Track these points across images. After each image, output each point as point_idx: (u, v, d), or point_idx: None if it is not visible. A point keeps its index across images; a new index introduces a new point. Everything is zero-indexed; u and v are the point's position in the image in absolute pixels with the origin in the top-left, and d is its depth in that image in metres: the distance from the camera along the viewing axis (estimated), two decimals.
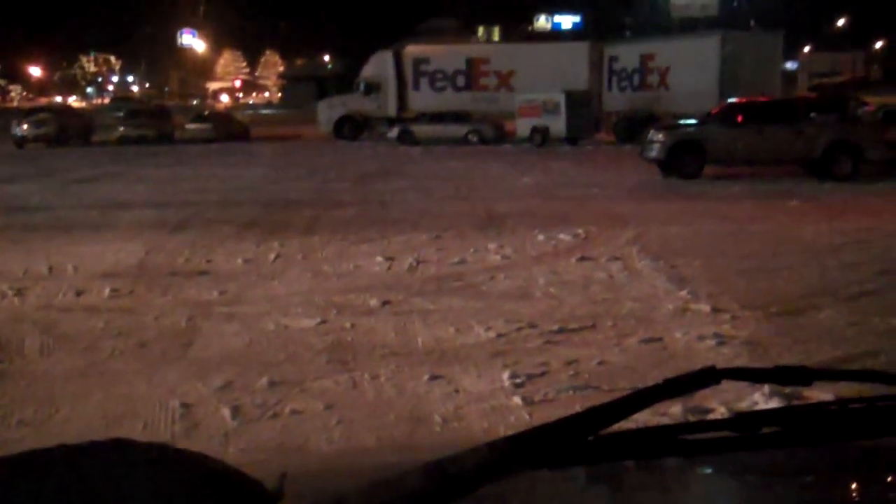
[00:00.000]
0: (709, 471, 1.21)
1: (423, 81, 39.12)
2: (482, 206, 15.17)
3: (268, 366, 6.21)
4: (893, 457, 1.15)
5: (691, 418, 3.78)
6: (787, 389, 3.96)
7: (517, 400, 5.44)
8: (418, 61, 39.28)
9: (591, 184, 18.90)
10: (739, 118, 19.83)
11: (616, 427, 1.11)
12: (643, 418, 1.23)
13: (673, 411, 4.40)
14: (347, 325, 7.36)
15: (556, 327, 7.19)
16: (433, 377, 5.91)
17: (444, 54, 39.85)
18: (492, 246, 11.13)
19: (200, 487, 0.95)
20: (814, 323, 7.31)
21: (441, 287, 8.91)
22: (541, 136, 32.11)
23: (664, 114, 29.28)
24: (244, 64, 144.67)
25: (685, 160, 19.34)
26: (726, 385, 1.20)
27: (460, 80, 38.77)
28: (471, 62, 38.96)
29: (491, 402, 5.44)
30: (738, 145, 19.17)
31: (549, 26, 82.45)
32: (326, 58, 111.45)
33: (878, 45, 68.88)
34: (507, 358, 6.34)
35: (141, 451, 0.98)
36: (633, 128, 30.14)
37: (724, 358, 6.18)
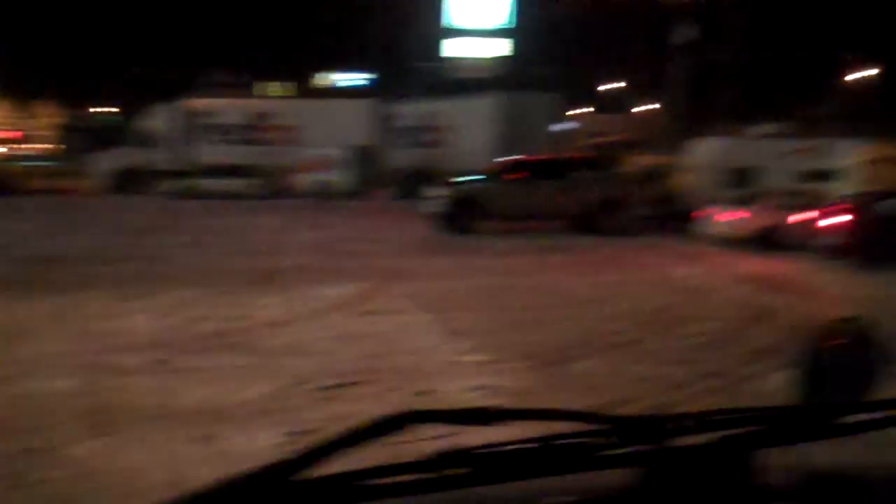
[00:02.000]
0: None
1: (206, 134, 38.39)
2: (261, 261, 14.96)
3: (19, 432, 5.83)
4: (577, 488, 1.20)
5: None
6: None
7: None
8: (202, 114, 38.53)
9: (371, 239, 19.04)
10: (514, 175, 20.61)
11: (313, 473, 1.11)
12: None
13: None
14: (110, 385, 7.03)
15: (331, 382, 7.16)
16: (201, 438, 5.73)
17: (228, 107, 39.29)
18: (269, 301, 11.00)
19: None
20: (577, 372, 7.62)
21: (214, 344, 8.69)
22: (323, 191, 32.13)
23: (446, 171, 29.99)
24: (15, 113, 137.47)
25: (463, 216, 19.89)
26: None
27: (244, 134, 38.32)
28: (255, 116, 38.62)
29: (256, 461, 5.29)
30: (514, 201, 19.91)
31: (333, 83, 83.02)
32: (106, 109, 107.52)
33: (644, 108, 73.44)
34: (279, 415, 6.24)
35: None
36: (415, 184, 30.66)
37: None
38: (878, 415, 1.27)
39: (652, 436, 1.20)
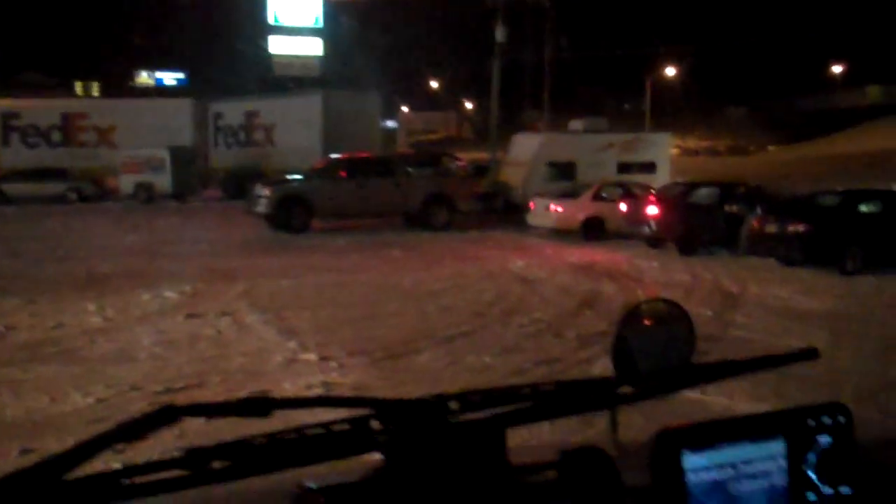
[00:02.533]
0: None
1: (14, 137, 36.52)
2: (83, 266, 14.31)
3: None
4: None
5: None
6: None
7: (115, 465, 5.10)
8: (8, 116, 36.64)
9: (199, 240, 18.56)
10: (342, 173, 20.54)
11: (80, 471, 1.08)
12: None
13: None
14: None
15: (161, 388, 6.91)
16: (22, 451, 5.41)
17: (36, 109, 37.48)
18: (92, 308, 10.52)
19: None
20: (415, 365, 7.63)
21: (35, 354, 8.24)
22: (146, 193, 31.12)
23: (271, 170, 29.55)
24: None
25: (292, 214, 19.66)
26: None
27: (56, 136, 36.65)
28: (67, 117, 36.97)
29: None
30: (343, 199, 19.82)
31: (152, 82, 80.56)
32: None
33: (469, 105, 74.58)
34: (106, 425, 5.94)
35: None
36: (240, 184, 30.10)
37: None
38: (635, 389, 1.32)
39: (429, 416, 1.20)
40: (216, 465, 1.10)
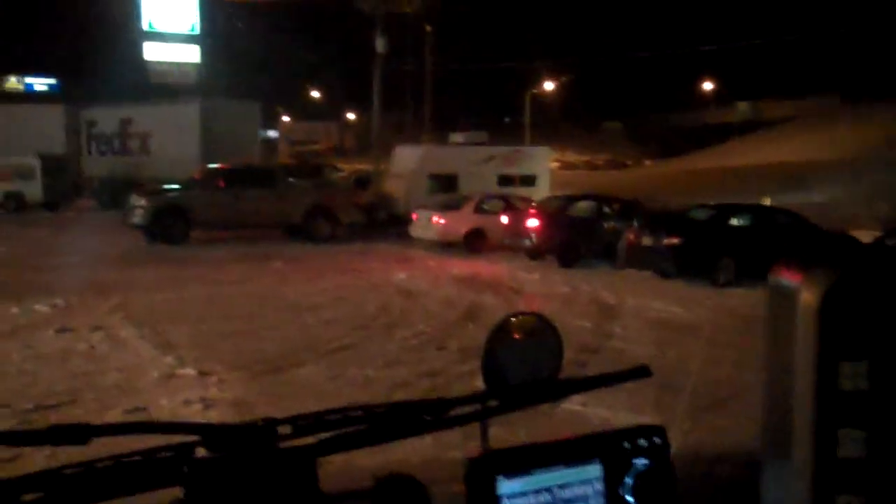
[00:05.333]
0: None
1: None
2: None
3: None
4: None
5: None
6: None
7: None
8: None
9: (72, 251, 17.97)
10: (221, 183, 20.19)
11: None
12: None
13: None
14: None
15: (30, 405, 6.66)
16: None
17: None
18: None
19: None
20: (297, 379, 7.55)
21: None
22: (15, 203, 30.00)
23: (147, 179, 28.86)
24: None
25: (170, 225, 19.22)
26: None
27: None
28: None
29: None
30: (222, 210, 19.47)
31: (21, 87, 77.86)
32: None
33: (351, 116, 74.30)
34: None
35: None
36: (115, 193, 29.30)
37: (212, 420, 6.12)
38: (471, 409, 1.32)
39: (255, 442, 1.17)
40: (28, 497, 1.04)
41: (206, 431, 1.15)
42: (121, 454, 1.11)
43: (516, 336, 1.43)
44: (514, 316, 1.45)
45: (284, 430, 1.19)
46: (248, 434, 1.17)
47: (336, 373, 7.77)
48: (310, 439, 1.19)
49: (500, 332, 1.43)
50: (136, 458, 1.12)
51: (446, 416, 1.31)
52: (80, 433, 1.08)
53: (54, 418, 6.37)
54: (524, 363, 1.40)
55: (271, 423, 1.18)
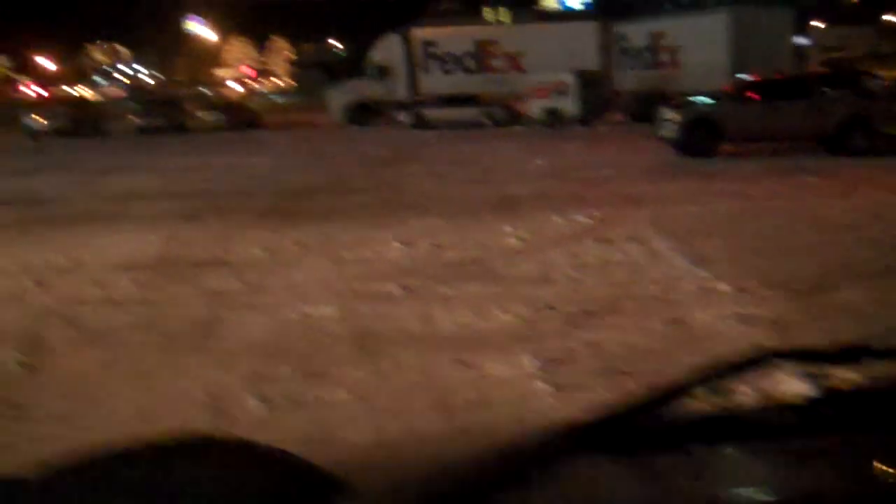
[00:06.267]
0: (757, 457, 1.18)
1: (433, 64, 38.97)
2: (496, 189, 15.15)
3: (291, 355, 6.23)
4: None
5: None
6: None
7: (542, 385, 5.45)
8: (427, 44, 39.10)
9: (604, 164, 18.83)
10: (753, 95, 19.74)
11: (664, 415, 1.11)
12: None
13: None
14: (368, 311, 7.37)
15: (576, 309, 7.19)
16: (456, 362, 5.92)
17: (452, 36, 39.66)
18: (507, 229, 11.10)
19: (281, 482, 0.96)
20: (837, 301, 7.27)
21: (459, 272, 8.91)
22: (552, 118, 32.00)
23: (676, 92, 29.13)
24: (252, 51, 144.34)
25: (699, 138, 19.24)
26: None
27: (470, 63, 38.61)
28: (479, 44, 38.78)
29: (516, 387, 5.45)
30: (753, 122, 19.06)
31: (557, 6, 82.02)
32: (335, 42, 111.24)
33: (889, 18, 68.20)
34: (529, 343, 6.34)
35: (223, 446, 0.99)
36: (645, 107, 30.05)
37: (749, 337, 6.17)
38: None
39: None
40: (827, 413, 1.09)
41: None
42: None
43: None
44: None
45: None
46: None
47: (877, 296, 7.36)
48: None
49: None
50: None
51: None
52: (851, 355, 1.12)
53: (597, 323, 6.83)
54: None
55: None
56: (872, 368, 1.15)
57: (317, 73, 75.57)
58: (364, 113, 38.77)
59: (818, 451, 1.14)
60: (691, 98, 21.85)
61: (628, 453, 1.10)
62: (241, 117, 40.09)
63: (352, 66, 47.42)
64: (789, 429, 1.10)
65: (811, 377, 1.22)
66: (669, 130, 19.70)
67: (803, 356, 1.20)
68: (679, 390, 1.14)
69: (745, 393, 1.19)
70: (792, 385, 1.23)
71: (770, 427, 1.11)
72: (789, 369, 1.19)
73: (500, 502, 0.95)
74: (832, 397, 1.12)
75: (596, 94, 33.06)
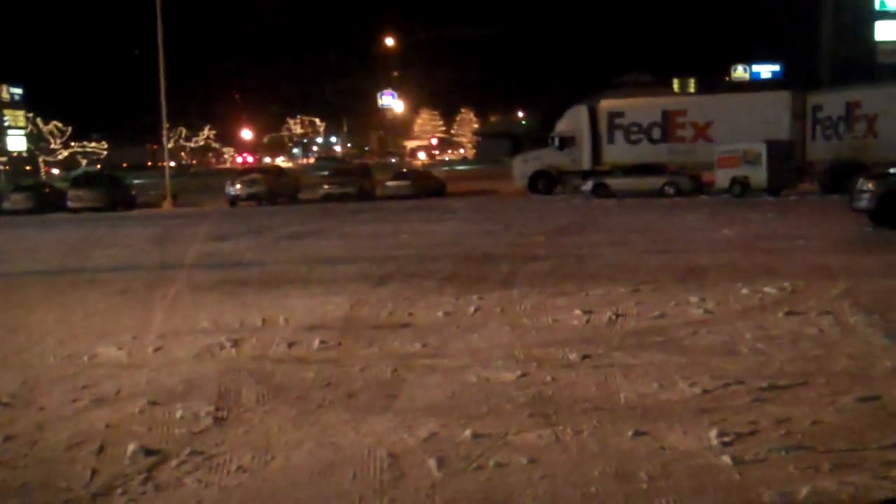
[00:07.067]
0: None
1: (618, 134, 38.92)
2: (681, 258, 14.85)
3: (470, 418, 6.28)
4: None
5: None
6: None
7: (726, 459, 5.28)
8: (613, 115, 39.14)
9: (795, 235, 18.20)
10: None
11: None
12: None
13: None
14: (548, 378, 7.35)
15: (764, 384, 6.93)
16: (637, 433, 5.81)
17: (639, 107, 39.61)
18: (693, 299, 10.84)
19: None
20: None
21: (641, 341, 8.77)
22: (740, 187, 31.28)
23: (873, 162, 27.93)
24: (440, 122, 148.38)
25: None
26: None
27: (656, 133, 38.33)
28: (667, 114, 38.47)
29: (698, 461, 5.29)
30: None
31: (747, 76, 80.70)
32: (520, 114, 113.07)
33: None
34: (713, 415, 6.15)
35: None
36: (838, 177, 28.95)
37: None
38: None
39: None
40: None
41: None
42: None
43: None
44: None
45: None
46: None
47: None
48: None
49: None
50: None
51: None
52: None
53: (786, 398, 6.57)
54: None
55: None
56: None
57: (501, 143, 76.78)
58: (547, 181, 39.11)
59: None
60: (890, 169, 20.88)
61: None
62: (427, 185, 41.13)
63: (536, 136, 47.97)
64: None
65: None
66: (865, 201, 18.86)
67: None
68: None
69: None
70: None
71: None
72: None
73: None
74: None
75: (786, 164, 32.16)
